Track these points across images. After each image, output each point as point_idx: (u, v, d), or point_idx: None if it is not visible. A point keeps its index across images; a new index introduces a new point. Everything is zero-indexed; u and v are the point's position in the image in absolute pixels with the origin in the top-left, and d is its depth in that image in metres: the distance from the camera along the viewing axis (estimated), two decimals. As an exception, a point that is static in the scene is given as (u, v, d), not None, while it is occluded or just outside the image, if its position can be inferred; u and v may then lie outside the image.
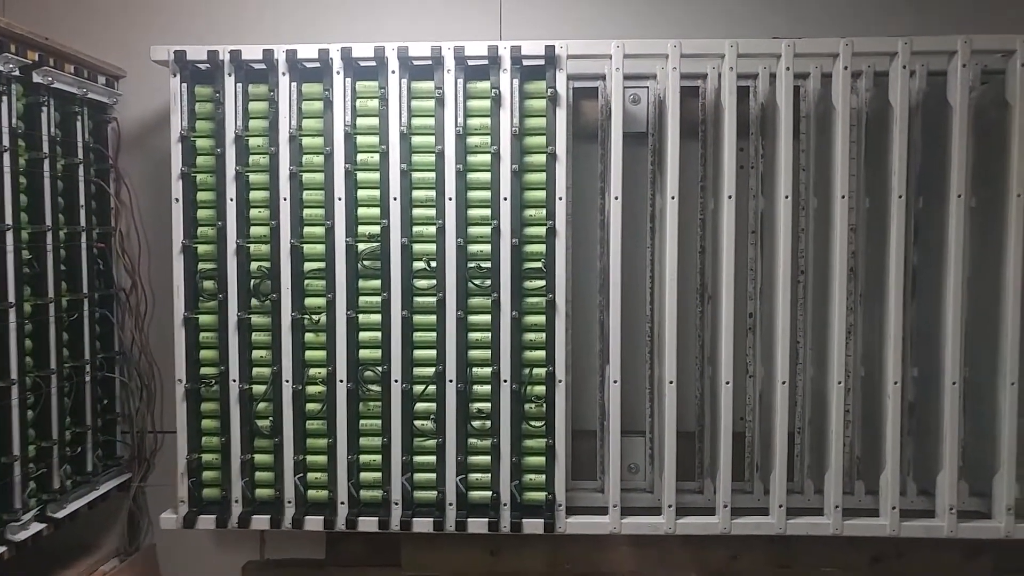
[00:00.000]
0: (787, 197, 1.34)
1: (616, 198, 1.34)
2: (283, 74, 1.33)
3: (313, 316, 1.37)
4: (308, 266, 1.37)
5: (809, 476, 1.50)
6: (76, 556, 1.47)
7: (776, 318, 1.38)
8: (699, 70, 1.46)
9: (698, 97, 1.49)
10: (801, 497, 1.50)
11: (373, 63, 1.33)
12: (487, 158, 1.34)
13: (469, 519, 1.37)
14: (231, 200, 1.34)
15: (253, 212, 1.36)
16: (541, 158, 1.34)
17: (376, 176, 1.35)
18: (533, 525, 1.37)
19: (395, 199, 1.34)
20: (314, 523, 1.38)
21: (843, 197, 1.35)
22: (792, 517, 1.39)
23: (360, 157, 1.35)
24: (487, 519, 1.37)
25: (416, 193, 1.35)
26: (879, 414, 1.41)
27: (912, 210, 1.46)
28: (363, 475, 1.39)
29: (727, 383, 1.36)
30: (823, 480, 1.42)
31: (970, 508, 1.47)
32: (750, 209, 1.48)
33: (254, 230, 1.36)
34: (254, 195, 1.36)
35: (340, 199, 1.34)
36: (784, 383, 1.37)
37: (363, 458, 1.39)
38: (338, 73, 1.33)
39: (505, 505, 1.37)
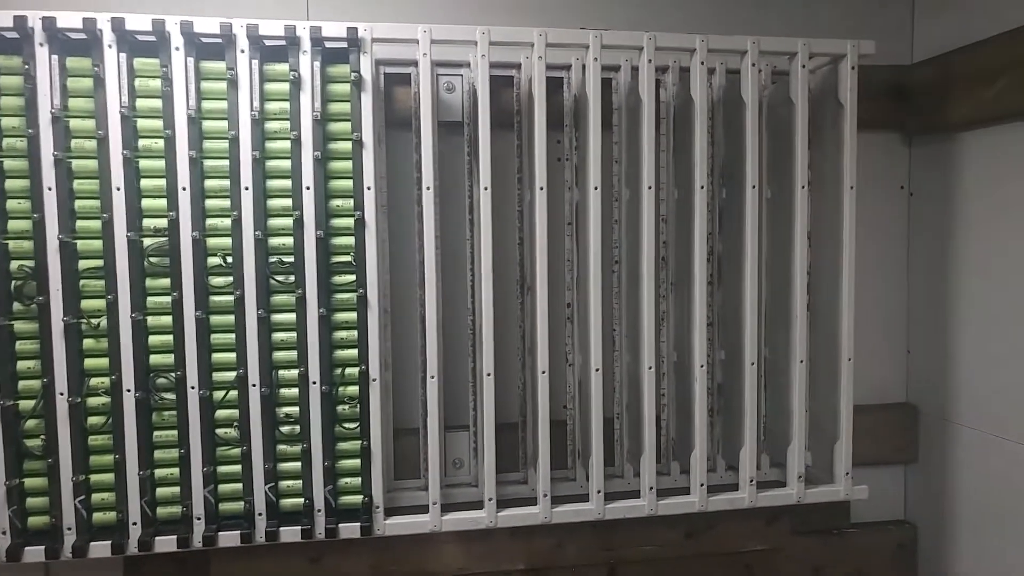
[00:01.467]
0: (596, 188, 1.36)
1: (428, 188, 1.30)
2: (40, 45, 1.16)
3: (92, 320, 1.22)
4: (83, 264, 1.21)
5: (629, 460, 1.55)
6: None
7: (590, 307, 1.40)
8: (513, 59, 1.45)
9: (513, 87, 1.48)
10: (621, 481, 1.55)
11: (152, 38, 1.20)
12: (287, 145, 1.25)
13: (281, 528, 1.29)
14: (-20, 190, 1.16)
15: (11, 204, 1.19)
16: (347, 145, 1.27)
17: (161, 164, 1.22)
18: (349, 530, 1.31)
19: (184, 189, 1.22)
20: (101, 549, 1.24)
21: (650, 188, 1.38)
22: (611, 501, 1.43)
23: (142, 143, 1.22)
24: (300, 527, 1.30)
25: (208, 183, 1.24)
26: (691, 398, 1.48)
27: (717, 201, 1.54)
28: (159, 491, 1.27)
29: (543, 372, 1.37)
30: (641, 465, 1.46)
31: (771, 478, 1.58)
32: (566, 200, 1.49)
33: (12, 224, 1.19)
34: (11, 184, 1.19)
35: (119, 189, 1.20)
36: (598, 370, 1.39)
37: (158, 472, 1.27)
38: (110, 47, 1.18)
39: (319, 511, 1.30)
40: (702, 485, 1.45)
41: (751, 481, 1.46)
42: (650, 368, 1.42)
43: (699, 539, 1.61)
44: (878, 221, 1.71)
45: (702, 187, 1.41)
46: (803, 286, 1.45)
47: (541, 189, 1.34)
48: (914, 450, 1.73)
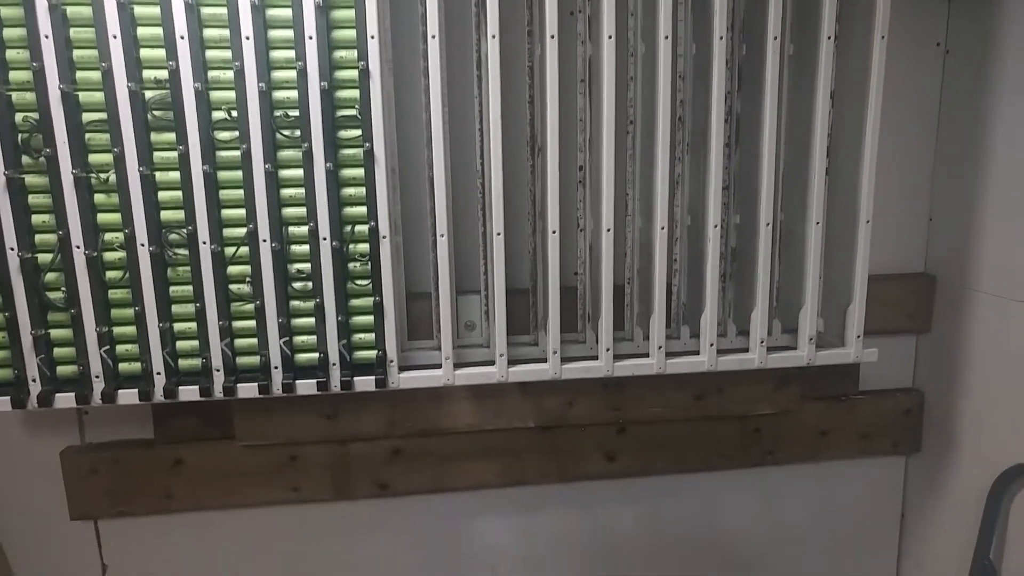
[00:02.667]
0: (611, 37, 1.30)
1: (433, 37, 1.25)
2: None
3: (100, 174, 1.22)
4: (87, 116, 1.20)
5: (638, 324, 1.56)
6: None
7: (603, 168, 1.37)
8: (522, -101, 1.36)
9: (522, -69, 1.39)
10: (631, 344, 1.56)
11: None
12: (286, -10, 1.20)
13: (297, 380, 1.34)
14: (-24, 37, 1.14)
15: (9, 54, 1.17)
16: (348, -9, 1.22)
17: (157, 11, 1.18)
18: (364, 383, 1.35)
19: (182, 38, 1.19)
20: (128, 396, 1.30)
21: (666, 38, 1.32)
22: (620, 360, 1.45)
23: (136, -12, 1.18)
24: (315, 380, 1.34)
25: (208, 32, 1.20)
26: (704, 261, 1.47)
27: (737, 56, 1.47)
28: (179, 344, 1.31)
29: (554, 232, 1.36)
30: (650, 327, 1.47)
31: (782, 344, 1.59)
32: (578, 56, 1.43)
33: (14, 75, 1.18)
34: (8, 33, 1.16)
35: (115, 37, 1.17)
36: (609, 231, 1.38)
37: (177, 326, 1.30)
38: None
39: (334, 365, 1.34)
40: (711, 345, 1.46)
41: (761, 342, 1.47)
42: (663, 228, 1.40)
43: (708, 402, 1.64)
44: (908, 80, 1.62)
45: (720, 38, 1.34)
46: (823, 146, 1.40)
47: (552, 37, 1.28)
48: (927, 320, 1.72)
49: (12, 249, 1.22)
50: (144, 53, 1.20)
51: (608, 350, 1.42)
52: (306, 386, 1.33)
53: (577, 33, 1.43)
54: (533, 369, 1.42)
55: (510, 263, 1.37)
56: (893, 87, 1.54)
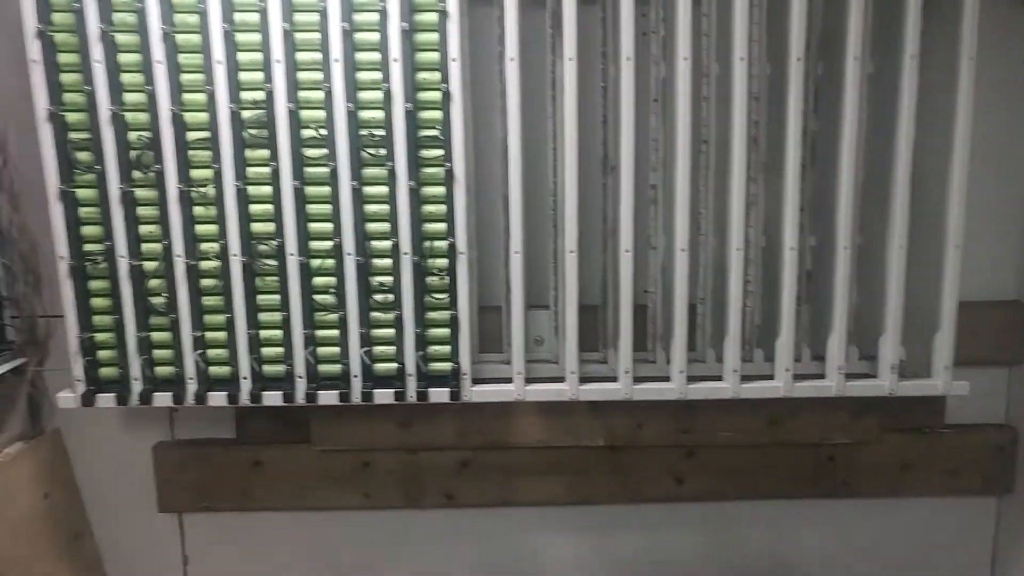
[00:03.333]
0: (686, 59, 1.31)
1: (512, 59, 1.29)
2: (146, -80, 1.22)
3: (201, 188, 1.31)
4: (191, 135, 1.30)
5: (711, 345, 1.55)
6: (-24, 441, 1.45)
7: (677, 188, 1.38)
8: (602, -73, 1.40)
9: (601, -43, 1.42)
10: (703, 366, 1.54)
11: (247, -90, 1.23)
12: (375, 16, 1.27)
13: (375, 390, 1.38)
14: (98, 63, 1.25)
15: (126, 77, 1.28)
16: (433, 17, 1.28)
17: (257, 38, 1.27)
18: (439, 394, 1.39)
19: (278, 62, 1.27)
20: (218, 398, 1.38)
21: (742, 59, 1.32)
22: (693, 383, 1.44)
23: (238, 17, 1.27)
24: (393, 390, 1.38)
25: (300, 55, 1.28)
26: (778, 283, 1.45)
27: (812, 76, 1.45)
28: (265, 350, 1.38)
29: (627, 251, 1.37)
30: (724, 349, 1.46)
31: (859, 371, 1.54)
32: (652, 76, 1.45)
33: (129, 96, 1.28)
34: (125, 58, 1.27)
35: (220, 63, 1.27)
36: (684, 250, 1.38)
37: (264, 333, 1.37)
38: (208, -79, 1.23)
39: (411, 375, 1.39)
40: (787, 370, 1.43)
41: (839, 370, 1.43)
42: (738, 250, 1.39)
43: (781, 428, 1.60)
44: (995, 99, 1.56)
45: (798, 59, 1.33)
46: (907, 167, 1.37)
47: (628, 59, 1.31)
48: (1021, 351, 1.63)
49: (122, 257, 1.32)
50: (243, 76, 1.29)
51: (681, 372, 1.42)
52: (384, 395, 1.38)
53: (651, 54, 1.44)
54: (604, 389, 1.42)
55: (580, 280, 1.38)
56: (981, 104, 1.48)
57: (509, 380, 1.43)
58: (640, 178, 1.41)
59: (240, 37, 1.27)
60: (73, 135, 1.28)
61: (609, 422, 1.59)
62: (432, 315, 1.39)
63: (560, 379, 1.46)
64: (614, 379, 1.45)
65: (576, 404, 1.53)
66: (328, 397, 1.39)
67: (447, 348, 1.40)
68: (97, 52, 1.25)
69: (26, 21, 1.23)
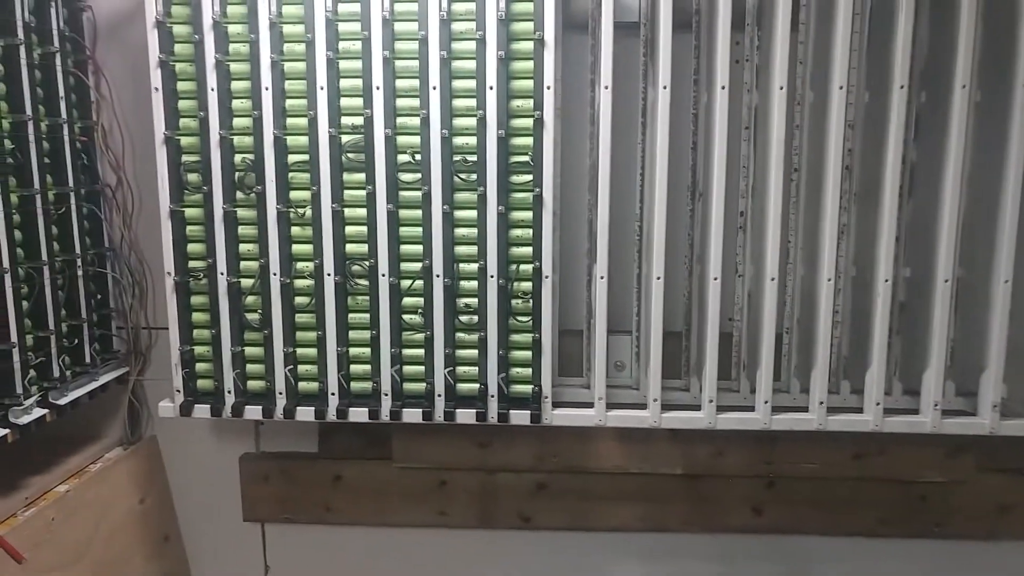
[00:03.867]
0: (782, 88, 1.30)
1: (606, 87, 1.30)
2: (256, -45, 1.28)
3: (299, 209, 1.36)
4: (292, 158, 1.35)
5: (796, 376, 1.51)
6: (80, 444, 1.52)
7: (767, 216, 1.36)
8: (696, -46, 1.40)
9: (694, -16, 1.42)
10: (787, 396, 1.51)
11: (350, -57, 1.28)
12: (472, 45, 1.30)
13: (457, 410, 1.40)
14: (212, 90, 1.31)
15: (235, 103, 1.34)
16: (529, 46, 1.30)
17: (359, 64, 1.31)
18: (520, 416, 1.40)
19: (378, 88, 1.31)
20: (305, 413, 1.41)
21: (840, 88, 1.30)
22: (777, 413, 1.41)
23: (342, 45, 1.31)
24: (475, 410, 1.40)
25: (399, 82, 1.32)
26: (868, 314, 1.41)
27: (914, 104, 1.41)
28: (353, 367, 1.42)
29: (715, 279, 1.35)
30: (809, 380, 1.42)
31: (955, 407, 1.48)
32: (744, 104, 1.44)
33: (237, 121, 1.34)
34: (236, 85, 1.33)
35: (322, 88, 1.31)
36: (773, 280, 1.36)
37: (352, 351, 1.41)
38: (316, -46, 1.28)
39: (492, 396, 1.40)
40: (878, 404, 1.39)
41: (935, 405, 1.38)
42: (828, 280, 1.36)
43: (868, 463, 1.55)
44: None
45: (902, 87, 1.30)
46: (1016, 200, 1.31)
47: (723, 88, 1.30)
48: None
49: (222, 274, 1.37)
50: (344, 102, 1.33)
51: (766, 403, 1.39)
52: (466, 415, 1.40)
53: (743, 82, 1.43)
54: (687, 417, 1.41)
55: (664, 306, 1.37)
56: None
57: (588, 404, 1.43)
58: (729, 205, 1.40)
59: (343, 64, 1.32)
60: (185, 158, 1.35)
61: (688, 449, 1.56)
62: (515, 337, 1.40)
63: (639, 405, 1.44)
64: (695, 407, 1.44)
65: (655, 430, 1.51)
66: (412, 415, 1.41)
67: (529, 371, 1.40)
68: (212, 80, 1.31)
69: (151, 52, 1.30)
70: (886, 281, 1.36)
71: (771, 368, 1.38)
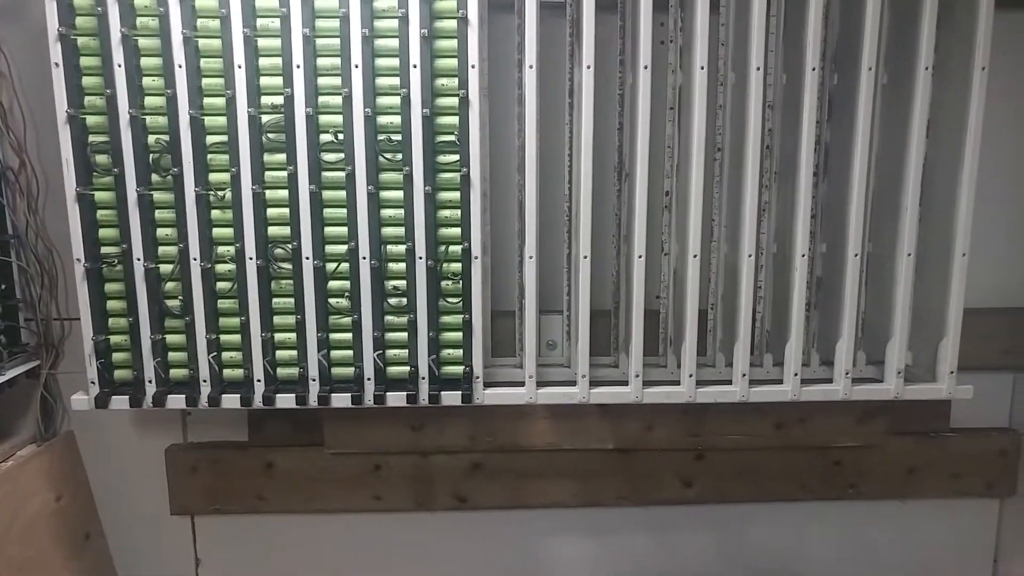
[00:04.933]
0: (703, 68, 1.33)
1: (531, 67, 1.30)
2: (167, -77, 1.22)
3: (218, 192, 1.32)
4: (210, 139, 1.30)
5: (721, 350, 1.56)
6: (-11, 443, 1.45)
7: (691, 195, 1.39)
8: (618, -65, 1.41)
9: (617, -35, 1.43)
10: (713, 370, 1.56)
11: (266, -87, 1.24)
12: (395, 23, 1.28)
13: (388, 392, 1.39)
14: (119, 66, 1.25)
15: (146, 80, 1.28)
16: (453, 24, 1.28)
17: (278, 43, 1.28)
18: (451, 397, 1.40)
19: (298, 67, 1.27)
20: (231, 400, 1.38)
21: (758, 69, 1.34)
22: (702, 387, 1.45)
23: (260, 22, 1.27)
24: (406, 392, 1.39)
25: (321, 61, 1.29)
26: (789, 289, 1.46)
27: (827, 86, 1.47)
28: (279, 353, 1.39)
29: (640, 257, 1.38)
30: (733, 354, 1.47)
31: (867, 375, 1.56)
32: (669, 85, 1.46)
33: (148, 100, 1.28)
34: (146, 62, 1.27)
35: (240, 67, 1.27)
36: (696, 256, 1.39)
37: (278, 336, 1.38)
38: (229, -76, 1.23)
39: (423, 379, 1.39)
40: (796, 375, 1.45)
41: (846, 374, 1.45)
42: (749, 256, 1.40)
43: (789, 432, 1.62)
44: (1009, 106, 1.57)
45: (813, 69, 1.35)
46: (917, 177, 1.38)
47: (645, 68, 1.32)
48: (1026, 357, 1.66)
49: (139, 259, 1.32)
50: (263, 81, 1.29)
51: (691, 376, 1.43)
52: (396, 398, 1.39)
53: (668, 63, 1.46)
54: (615, 392, 1.43)
55: (593, 285, 1.39)
56: (993, 114, 1.50)
57: (521, 384, 1.44)
58: (654, 185, 1.42)
59: (261, 42, 1.28)
60: (92, 138, 1.28)
61: (619, 425, 1.60)
62: (445, 319, 1.40)
63: (571, 383, 1.47)
64: (625, 383, 1.47)
65: (586, 407, 1.54)
66: (341, 400, 1.39)
67: (460, 352, 1.40)
68: (119, 56, 1.24)
69: (49, 25, 1.22)
70: (803, 256, 1.41)
71: (695, 343, 1.42)
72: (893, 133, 1.43)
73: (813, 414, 1.61)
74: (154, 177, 1.31)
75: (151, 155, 1.30)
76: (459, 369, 1.40)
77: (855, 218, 1.40)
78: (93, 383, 1.36)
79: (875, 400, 1.47)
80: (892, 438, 1.64)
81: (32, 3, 1.38)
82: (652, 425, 1.60)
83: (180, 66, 1.27)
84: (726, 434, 1.62)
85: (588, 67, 1.31)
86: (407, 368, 1.39)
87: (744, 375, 1.45)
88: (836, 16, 1.45)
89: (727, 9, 1.46)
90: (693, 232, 1.39)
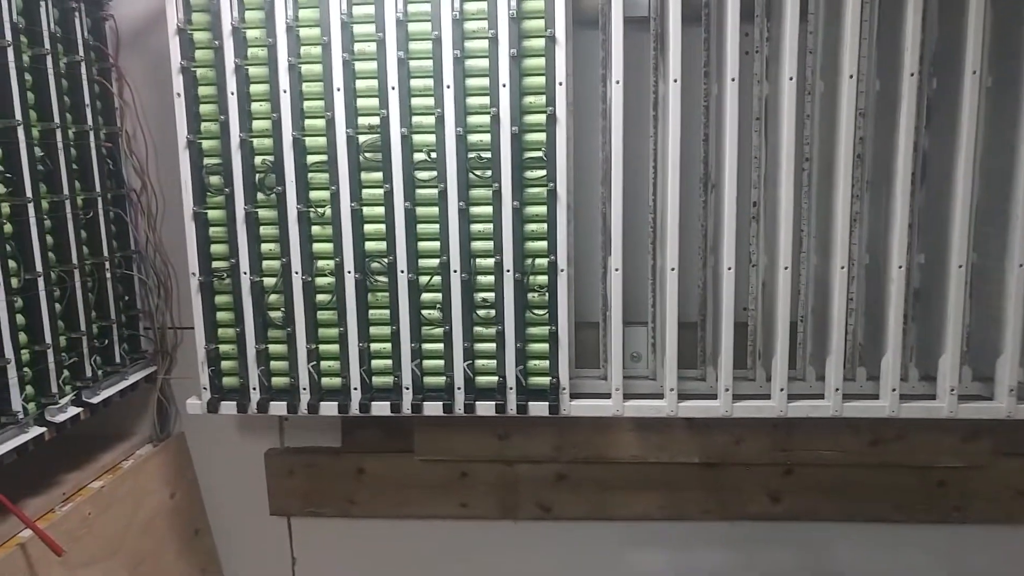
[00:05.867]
0: (792, 79, 1.31)
1: (617, 82, 1.32)
2: (273, -40, 1.31)
3: (318, 209, 1.39)
4: (311, 159, 1.38)
5: (811, 364, 1.52)
6: (112, 442, 1.57)
7: (780, 206, 1.37)
8: (704, -52, 1.41)
9: (702, -23, 1.44)
10: (803, 384, 1.52)
11: (364, -54, 1.31)
12: (485, 44, 1.32)
13: (477, 402, 1.43)
14: (232, 94, 1.35)
15: (255, 106, 1.37)
16: (540, 43, 1.32)
17: (374, 66, 1.34)
18: (538, 407, 1.42)
19: (393, 88, 1.34)
20: (329, 408, 1.45)
21: (851, 77, 1.31)
22: (793, 401, 1.42)
23: (357, 47, 1.34)
24: (494, 402, 1.42)
25: (414, 82, 1.35)
26: (883, 301, 1.42)
27: (925, 91, 1.42)
28: (374, 362, 1.45)
29: (729, 269, 1.37)
30: (825, 368, 1.44)
31: (972, 392, 1.48)
32: (755, 95, 1.45)
33: (256, 124, 1.37)
34: (255, 88, 1.36)
35: (339, 90, 1.34)
36: (787, 268, 1.37)
37: (374, 346, 1.44)
38: (330, -42, 1.31)
39: (511, 389, 1.42)
40: (893, 390, 1.40)
41: (952, 391, 1.39)
42: (842, 268, 1.37)
43: (886, 448, 1.56)
44: None
45: (912, 74, 1.31)
46: (1027, 183, 1.32)
47: (733, 80, 1.31)
48: None
49: (245, 273, 1.41)
50: (360, 102, 1.36)
51: (782, 390, 1.40)
52: (485, 407, 1.42)
53: (753, 73, 1.44)
54: (703, 406, 1.42)
55: (679, 297, 1.39)
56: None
57: (606, 395, 1.45)
58: (742, 195, 1.41)
59: (359, 66, 1.35)
60: (207, 161, 1.38)
61: (706, 439, 1.58)
62: (532, 330, 1.42)
63: (657, 395, 1.46)
64: (711, 396, 1.45)
65: (673, 420, 1.53)
66: (432, 408, 1.44)
67: (546, 363, 1.43)
68: (231, 84, 1.34)
69: (172, 59, 1.33)
70: (900, 268, 1.37)
71: (786, 356, 1.40)
72: (999, 139, 1.36)
73: (911, 431, 1.55)
74: (259, 196, 1.40)
75: (257, 175, 1.39)
76: (546, 380, 1.43)
77: (959, 228, 1.34)
78: (205, 389, 1.45)
79: (981, 419, 1.40)
80: (1002, 459, 1.55)
81: (153, 37, 1.50)
82: (740, 439, 1.58)
83: (285, 91, 1.35)
84: (817, 449, 1.58)
85: (675, 81, 1.32)
86: (495, 378, 1.43)
87: (837, 389, 1.41)
88: (934, 19, 1.40)
89: (815, 16, 1.43)
90: (784, 243, 1.37)
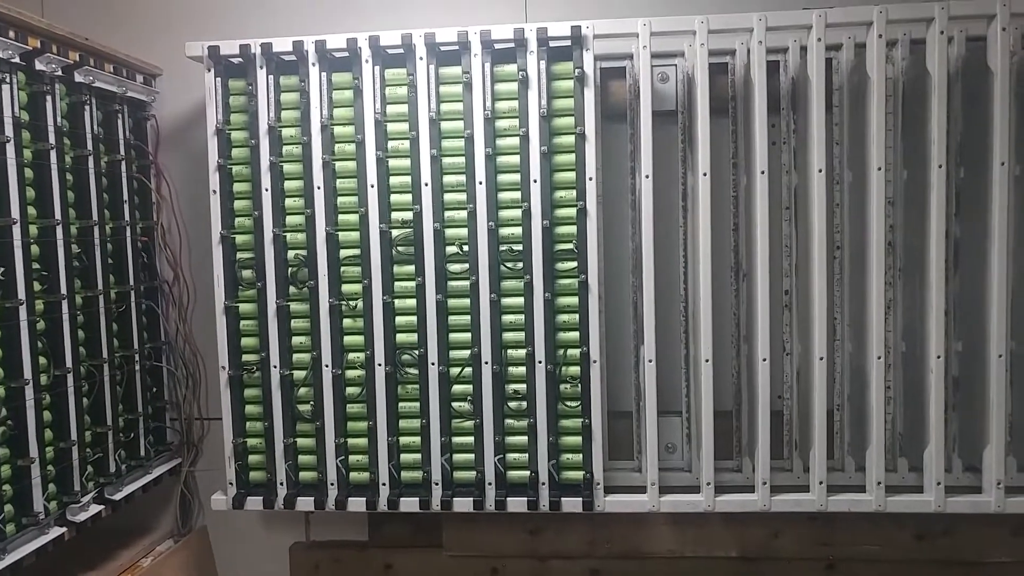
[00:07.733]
0: (821, 171, 1.32)
1: (647, 176, 1.34)
2: (313, 64, 1.35)
3: (350, 302, 1.39)
4: (344, 253, 1.39)
5: (850, 454, 1.48)
6: (133, 537, 1.53)
7: (812, 294, 1.36)
8: (727, 46, 1.44)
9: (727, 73, 1.47)
10: (842, 475, 1.48)
11: (401, 51, 1.35)
12: (516, 141, 1.35)
13: (508, 498, 1.39)
14: (266, 190, 1.37)
15: (288, 201, 1.39)
16: (570, 139, 1.34)
17: (407, 163, 1.37)
18: (572, 503, 1.38)
19: (426, 184, 1.36)
20: (357, 504, 1.41)
21: (879, 169, 1.32)
22: (833, 494, 1.38)
23: (391, 144, 1.37)
24: (526, 498, 1.39)
25: (447, 178, 1.37)
26: (921, 390, 1.39)
27: (953, 180, 1.42)
28: (403, 456, 1.42)
29: (764, 360, 1.35)
30: (864, 458, 1.40)
31: (1018, 483, 1.44)
32: (783, 185, 1.46)
33: (290, 219, 1.39)
34: (289, 184, 1.39)
35: (373, 186, 1.36)
36: (822, 359, 1.35)
37: (403, 440, 1.42)
38: (367, 62, 1.35)
39: (543, 484, 1.39)
40: (939, 484, 1.35)
41: (998, 484, 1.34)
42: (879, 358, 1.35)
43: (932, 544, 1.50)
44: None
45: (940, 166, 1.32)
46: (1063, 271, 1.31)
47: (762, 173, 1.32)
48: None
49: (275, 367, 1.40)
50: (394, 198, 1.38)
51: (821, 483, 1.36)
52: (517, 503, 1.39)
53: (782, 164, 1.46)
54: (741, 499, 1.38)
55: (713, 386, 1.37)
56: None
57: (641, 488, 1.41)
58: (774, 284, 1.40)
59: (392, 162, 1.37)
60: (241, 255, 1.40)
61: (743, 532, 1.53)
62: (565, 423, 1.40)
63: (692, 488, 1.43)
64: (748, 488, 1.41)
65: (709, 513, 1.48)
66: (463, 504, 1.40)
67: (579, 456, 1.40)
68: (266, 181, 1.37)
69: (210, 158, 1.36)
70: (938, 357, 1.34)
71: (824, 449, 1.36)
72: (1030, 226, 1.36)
73: (959, 525, 1.49)
74: (291, 289, 1.40)
75: (290, 269, 1.40)
76: (579, 474, 1.39)
77: (996, 317, 1.32)
78: (231, 484, 1.43)
79: (1031, 512, 1.35)
80: (1053, 553, 1.49)
81: (190, 134, 1.54)
82: (778, 532, 1.52)
83: (319, 187, 1.37)
84: (860, 544, 1.52)
85: (704, 174, 1.33)
86: (527, 472, 1.39)
87: (880, 483, 1.37)
88: (958, 111, 1.42)
89: (840, 109, 1.45)
90: (819, 333, 1.36)
